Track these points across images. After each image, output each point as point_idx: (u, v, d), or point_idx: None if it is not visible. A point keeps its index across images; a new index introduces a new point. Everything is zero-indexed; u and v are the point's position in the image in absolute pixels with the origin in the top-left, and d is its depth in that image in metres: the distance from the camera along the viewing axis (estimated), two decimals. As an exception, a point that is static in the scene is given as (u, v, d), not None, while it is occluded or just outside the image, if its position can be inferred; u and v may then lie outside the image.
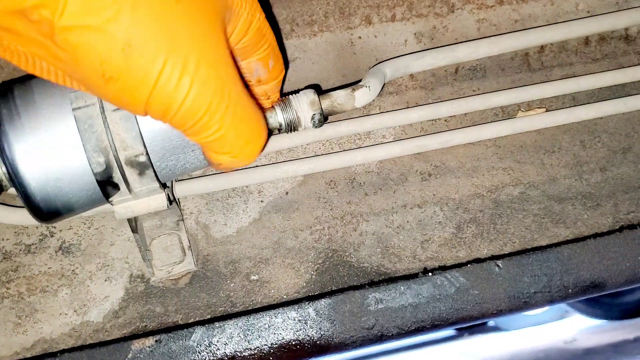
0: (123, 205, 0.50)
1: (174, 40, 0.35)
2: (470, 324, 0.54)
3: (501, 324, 2.66)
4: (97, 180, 0.45)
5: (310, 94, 0.54)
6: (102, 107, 0.44)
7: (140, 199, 0.50)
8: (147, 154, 0.45)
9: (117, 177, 0.46)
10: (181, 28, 0.35)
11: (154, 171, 0.46)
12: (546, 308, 2.59)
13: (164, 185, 0.49)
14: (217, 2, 0.39)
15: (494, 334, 2.62)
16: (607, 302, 2.40)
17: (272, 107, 0.54)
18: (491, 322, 2.66)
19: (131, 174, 0.45)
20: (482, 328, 2.70)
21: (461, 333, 2.77)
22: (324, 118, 0.55)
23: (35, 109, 0.44)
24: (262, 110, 0.46)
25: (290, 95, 0.55)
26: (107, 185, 0.46)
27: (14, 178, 0.43)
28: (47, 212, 0.46)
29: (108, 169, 0.45)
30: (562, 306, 2.42)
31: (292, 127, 0.54)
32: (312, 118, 0.54)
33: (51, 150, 0.43)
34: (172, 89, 0.35)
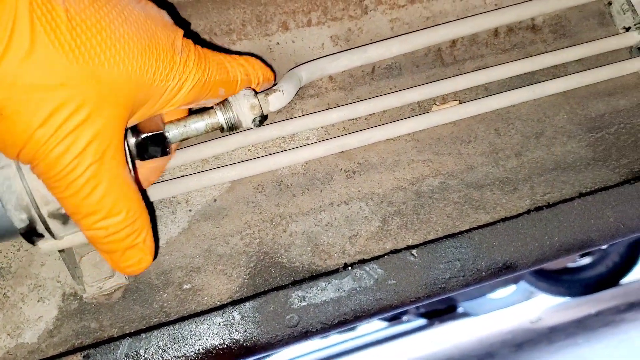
0: (48, 243, 0.51)
1: (52, 114, 0.39)
2: (392, 313, 0.56)
3: (470, 310, 2.73)
4: (21, 234, 0.46)
5: (251, 98, 0.56)
6: (19, 166, 0.44)
7: (64, 239, 0.51)
8: None
9: (40, 229, 0.47)
10: (63, 105, 0.39)
11: None
12: (511, 290, 2.68)
13: None
14: (123, 95, 0.43)
15: (464, 320, 2.68)
16: (568, 280, 2.48)
17: (212, 108, 0.56)
18: (460, 309, 2.73)
19: (55, 224, 0.46)
20: (451, 315, 2.77)
21: (432, 322, 2.83)
22: (264, 119, 0.57)
23: None
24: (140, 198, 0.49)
25: (229, 97, 0.56)
26: (31, 236, 0.47)
27: None
28: None
29: (31, 223, 0.46)
30: (527, 287, 2.49)
31: (233, 128, 0.56)
32: (253, 120, 0.56)
33: None
34: (39, 148, 0.39)
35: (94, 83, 0.40)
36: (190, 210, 0.64)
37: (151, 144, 0.50)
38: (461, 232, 0.60)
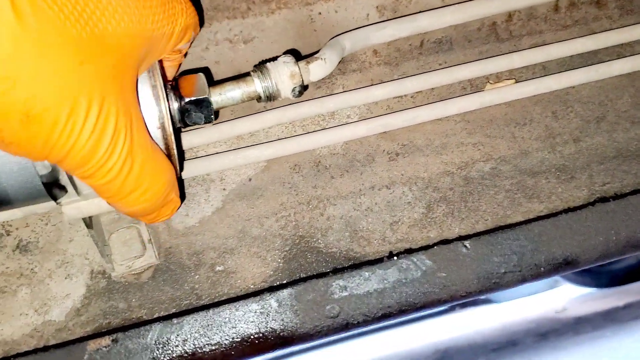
0: (72, 206, 0.47)
1: (76, 104, 0.34)
2: (439, 308, 0.53)
3: (492, 296, 2.68)
4: (42, 183, 0.43)
5: (291, 65, 0.51)
6: None
7: (90, 200, 0.47)
8: None
9: (64, 180, 0.43)
10: (84, 90, 0.34)
11: None
12: (537, 278, 2.59)
13: None
14: (131, 55, 0.39)
15: (486, 307, 2.63)
16: (596, 270, 2.42)
17: (249, 75, 0.52)
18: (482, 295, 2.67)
19: None
20: (473, 301, 2.72)
21: (452, 307, 2.79)
22: (304, 89, 0.53)
23: None
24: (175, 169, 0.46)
25: (268, 64, 0.52)
26: (53, 187, 0.44)
27: None
28: None
29: (54, 171, 0.42)
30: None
31: (271, 97, 0.52)
32: (293, 90, 0.52)
33: None
34: (70, 148, 0.36)
35: (105, 51, 0.35)
36: (224, 189, 0.61)
37: (195, 109, 0.47)
38: (518, 223, 0.55)
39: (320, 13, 0.64)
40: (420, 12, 0.64)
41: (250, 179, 0.62)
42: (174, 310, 0.58)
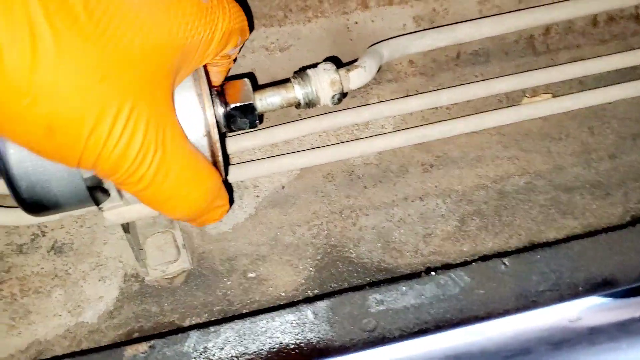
0: (113, 211, 0.48)
1: (101, 115, 0.35)
2: (476, 324, 0.53)
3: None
4: (87, 187, 0.43)
5: (332, 73, 0.51)
6: None
7: (131, 205, 0.48)
8: None
9: (108, 184, 0.44)
10: (106, 104, 0.35)
11: None
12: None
13: None
14: (162, 66, 0.38)
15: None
16: (612, 281, 2.38)
17: (289, 81, 0.52)
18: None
19: None
20: (486, 308, 2.69)
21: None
22: (343, 96, 0.53)
23: None
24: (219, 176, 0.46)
25: (308, 70, 0.52)
26: (97, 191, 0.44)
27: (2, 168, 0.42)
28: (31, 204, 0.44)
29: (97, 176, 0.43)
30: (567, 285, 2.40)
31: (310, 104, 0.52)
32: (332, 98, 0.52)
33: None
34: (97, 158, 0.36)
35: (131, 64, 0.36)
36: (257, 196, 0.61)
37: (240, 115, 0.47)
38: (555, 241, 0.55)
39: (356, 22, 0.64)
40: (457, 22, 0.64)
41: (283, 187, 0.62)
42: (206, 316, 0.58)
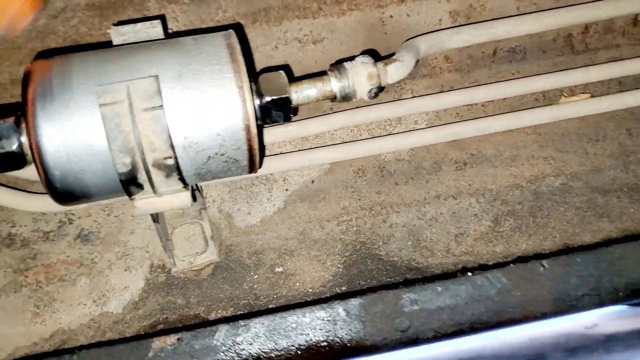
0: (145, 201, 0.47)
1: None
2: (512, 326, 0.51)
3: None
4: (120, 180, 0.43)
5: (370, 66, 0.50)
6: (131, 105, 0.41)
7: (163, 197, 0.47)
8: (176, 157, 0.42)
9: (142, 178, 0.43)
10: None
11: (181, 174, 0.44)
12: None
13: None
14: None
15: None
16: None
17: (326, 73, 0.51)
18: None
19: (157, 175, 0.43)
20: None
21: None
22: (380, 90, 0.52)
23: (71, 94, 0.41)
24: None
25: (345, 63, 0.51)
26: (130, 185, 0.44)
27: (37, 155, 0.42)
28: (63, 193, 0.44)
29: (133, 170, 0.42)
30: (581, 292, 2.37)
31: (346, 98, 0.51)
32: (369, 92, 0.50)
33: (77, 140, 0.41)
34: None
35: None
36: (287, 190, 0.60)
37: (275, 108, 0.46)
38: (593, 245, 0.53)
39: (391, 16, 0.63)
40: (494, 19, 0.63)
41: (313, 181, 0.61)
42: (231, 310, 0.57)
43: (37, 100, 0.41)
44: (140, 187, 0.44)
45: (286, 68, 0.61)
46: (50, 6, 0.56)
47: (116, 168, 0.42)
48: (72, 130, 0.41)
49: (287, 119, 0.48)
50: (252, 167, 0.45)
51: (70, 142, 0.41)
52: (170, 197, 0.48)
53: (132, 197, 0.46)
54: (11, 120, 0.43)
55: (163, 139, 0.41)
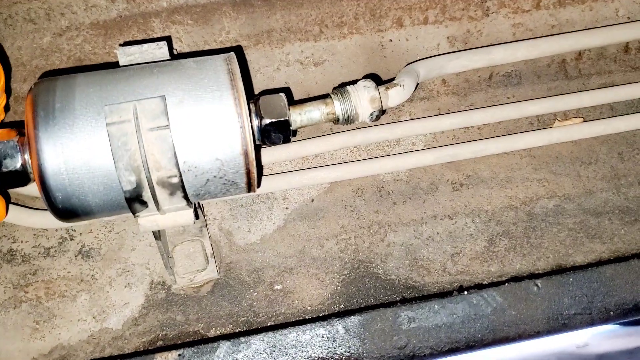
0: (149, 219, 0.48)
1: None
2: (507, 344, 0.52)
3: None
4: (125, 198, 0.44)
5: (372, 90, 0.52)
6: (138, 124, 0.42)
7: (166, 214, 0.48)
8: (180, 175, 0.43)
9: (146, 196, 0.44)
10: None
11: (185, 192, 0.45)
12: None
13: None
14: None
15: (505, 337, 2.57)
16: (620, 308, 2.36)
17: (330, 96, 0.52)
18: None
19: (162, 193, 0.44)
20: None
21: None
22: (382, 113, 0.53)
23: (73, 119, 0.42)
24: None
25: (348, 87, 0.53)
26: (135, 203, 0.45)
27: (38, 177, 0.42)
28: (64, 211, 0.45)
29: (138, 187, 0.43)
30: (573, 310, 2.37)
31: (349, 120, 0.52)
32: (371, 115, 0.52)
33: (79, 161, 0.42)
34: None
35: None
36: (287, 208, 0.61)
37: (275, 130, 0.47)
38: (585, 265, 0.55)
39: (391, 40, 0.64)
40: (490, 45, 0.65)
41: (312, 200, 0.62)
42: (231, 327, 0.58)
43: (40, 124, 0.42)
44: (144, 204, 0.45)
45: (287, 90, 0.62)
46: (55, 24, 0.57)
47: (122, 186, 0.43)
48: (75, 152, 0.42)
49: (286, 141, 0.49)
50: (250, 188, 0.47)
51: (72, 163, 0.42)
52: (173, 215, 0.49)
53: (136, 214, 0.47)
54: (15, 138, 0.44)
55: (168, 158, 0.42)
